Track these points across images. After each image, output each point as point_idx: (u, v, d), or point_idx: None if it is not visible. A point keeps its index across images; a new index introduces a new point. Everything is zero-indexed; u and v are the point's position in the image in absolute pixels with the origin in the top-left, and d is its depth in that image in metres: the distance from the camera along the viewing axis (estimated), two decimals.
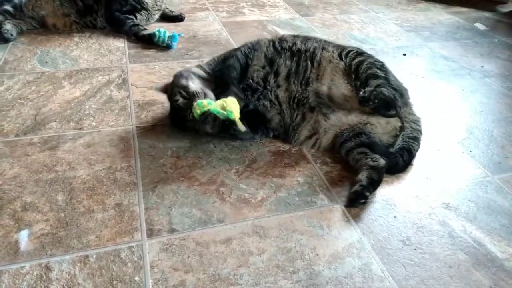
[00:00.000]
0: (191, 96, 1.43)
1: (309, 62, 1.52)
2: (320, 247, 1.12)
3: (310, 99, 1.48)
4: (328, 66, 1.51)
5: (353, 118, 1.45)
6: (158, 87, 1.60)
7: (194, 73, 1.53)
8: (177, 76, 1.52)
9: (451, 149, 1.56)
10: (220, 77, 1.51)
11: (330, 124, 1.47)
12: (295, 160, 1.45)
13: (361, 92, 1.37)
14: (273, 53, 1.56)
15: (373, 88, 1.38)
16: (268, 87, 1.51)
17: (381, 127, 1.44)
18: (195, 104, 1.37)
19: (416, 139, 1.47)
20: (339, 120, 1.46)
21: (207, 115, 1.37)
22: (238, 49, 1.61)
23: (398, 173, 1.40)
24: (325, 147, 1.48)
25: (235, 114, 1.34)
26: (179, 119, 1.48)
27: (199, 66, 1.61)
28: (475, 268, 1.09)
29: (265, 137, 1.53)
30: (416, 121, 1.52)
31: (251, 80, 1.52)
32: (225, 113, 1.34)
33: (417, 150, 1.45)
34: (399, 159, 1.40)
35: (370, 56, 1.56)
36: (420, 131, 1.50)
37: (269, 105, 1.50)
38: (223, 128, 1.43)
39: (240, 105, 1.38)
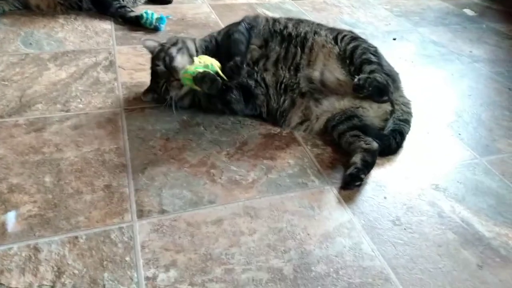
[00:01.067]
0: (171, 69, 1.42)
1: (299, 48, 1.50)
2: (311, 227, 1.13)
3: (301, 85, 1.47)
4: (321, 51, 1.49)
5: (346, 103, 1.45)
6: (148, 44, 1.54)
7: (188, 49, 1.50)
8: (171, 43, 1.50)
9: (440, 132, 1.57)
10: (229, 53, 1.46)
11: (322, 110, 1.46)
12: (286, 142, 1.44)
13: (356, 80, 1.36)
14: (267, 34, 1.54)
15: (366, 75, 1.37)
16: (256, 68, 1.49)
17: (373, 111, 1.44)
18: (181, 74, 1.39)
19: (407, 122, 1.48)
20: (332, 106, 1.46)
21: (204, 74, 1.36)
22: (239, 23, 1.57)
23: (390, 155, 1.41)
24: (317, 131, 1.48)
25: (215, 64, 1.39)
26: (154, 82, 1.50)
27: (193, 41, 1.56)
28: (463, 247, 1.11)
29: (254, 112, 1.52)
30: (407, 104, 1.52)
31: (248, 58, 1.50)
32: (207, 69, 1.37)
33: (408, 132, 1.46)
34: (392, 141, 1.41)
35: (364, 41, 1.55)
36: (410, 114, 1.51)
37: (254, 85, 1.48)
38: (220, 91, 1.41)
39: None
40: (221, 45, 1.54)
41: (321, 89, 1.46)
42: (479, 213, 1.22)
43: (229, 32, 1.55)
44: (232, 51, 1.46)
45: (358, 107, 1.44)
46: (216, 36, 1.59)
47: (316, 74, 1.46)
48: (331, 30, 1.59)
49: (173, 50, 1.46)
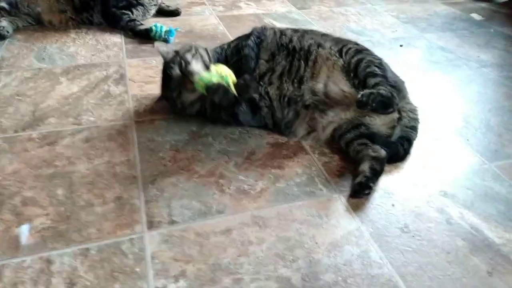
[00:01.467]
0: (187, 74, 1.44)
1: (302, 62, 1.51)
2: (319, 235, 1.13)
3: (305, 97, 1.48)
4: (324, 63, 1.50)
5: (352, 113, 1.45)
6: (162, 50, 1.56)
7: (201, 56, 1.52)
8: (186, 49, 1.53)
9: (448, 138, 1.57)
10: (239, 68, 1.49)
11: (328, 121, 1.47)
12: (294, 151, 1.45)
13: (359, 96, 1.35)
14: (274, 47, 1.56)
15: (370, 90, 1.37)
16: (261, 82, 1.51)
17: (379, 119, 1.45)
18: (197, 79, 1.40)
19: (414, 128, 1.48)
20: (338, 116, 1.46)
21: (218, 86, 1.38)
22: (248, 37, 1.59)
23: (398, 162, 1.42)
24: (324, 141, 1.49)
25: (230, 76, 1.41)
26: (165, 87, 1.52)
27: (205, 50, 1.58)
28: (473, 254, 1.10)
29: (260, 124, 1.54)
30: (413, 110, 1.52)
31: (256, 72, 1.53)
32: (222, 79, 1.39)
33: (415, 139, 1.46)
34: (400, 148, 1.41)
35: (369, 53, 1.55)
36: (417, 120, 1.51)
37: (258, 98, 1.50)
38: (231, 103, 1.44)
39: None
40: (231, 58, 1.56)
41: (326, 101, 1.47)
42: (488, 219, 1.21)
43: (238, 46, 1.57)
44: (242, 67, 1.49)
45: (364, 116, 1.44)
46: (226, 49, 1.61)
47: (319, 86, 1.47)
48: (336, 41, 1.59)
49: (189, 55, 1.49)
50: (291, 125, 1.50)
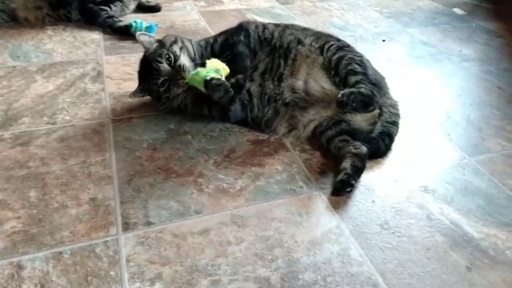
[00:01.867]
0: (178, 68, 1.41)
1: (281, 60, 1.49)
2: (299, 234, 1.12)
3: (284, 95, 1.45)
4: (304, 61, 1.48)
5: (332, 110, 1.44)
6: (143, 39, 1.48)
7: (187, 48, 1.49)
8: (171, 41, 1.49)
9: (430, 133, 1.57)
10: (231, 65, 1.45)
11: (309, 119, 1.45)
12: (274, 148, 1.43)
13: (339, 96, 1.32)
14: (258, 43, 1.54)
15: (350, 90, 1.35)
16: None
17: (360, 116, 1.43)
18: (192, 74, 1.39)
19: (395, 123, 1.47)
20: (318, 114, 1.45)
21: (220, 83, 1.36)
22: (239, 32, 1.56)
23: (379, 158, 1.41)
24: (306, 138, 1.47)
25: (224, 70, 1.41)
26: (151, 80, 1.44)
27: (190, 42, 1.55)
28: (452, 249, 1.10)
29: (244, 118, 1.51)
30: (394, 105, 1.52)
31: None
32: (217, 74, 1.38)
33: (396, 134, 1.46)
34: (381, 144, 1.40)
35: (350, 50, 1.54)
36: (398, 115, 1.50)
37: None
38: (230, 100, 1.42)
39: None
40: (219, 54, 1.51)
41: (306, 98, 1.45)
42: (468, 214, 1.21)
43: (229, 41, 1.54)
44: (238, 66, 1.46)
45: (345, 113, 1.43)
46: (212, 43, 1.57)
47: (299, 84, 1.45)
48: (317, 37, 1.57)
49: (176, 48, 1.46)
50: (271, 123, 1.47)
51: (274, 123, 1.47)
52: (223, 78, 1.40)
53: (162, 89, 1.44)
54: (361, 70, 1.44)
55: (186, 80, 1.42)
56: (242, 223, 1.14)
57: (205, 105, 1.49)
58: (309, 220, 1.16)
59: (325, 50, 1.50)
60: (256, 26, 1.60)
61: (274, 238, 1.10)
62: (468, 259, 1.07)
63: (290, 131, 1.47)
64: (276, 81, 1.47)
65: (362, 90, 1.35)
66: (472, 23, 2.66)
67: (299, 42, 1.53)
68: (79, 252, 1.03)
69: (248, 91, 1.47)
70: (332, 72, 1.45)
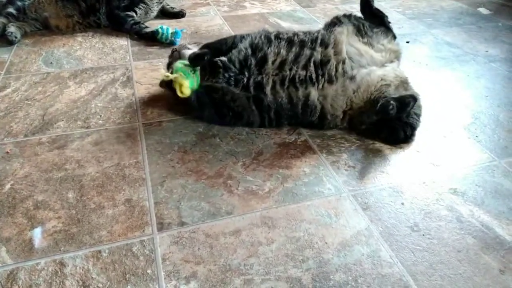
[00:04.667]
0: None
1: (322, 48, 1.57)
2: (329, 235, 1.13)
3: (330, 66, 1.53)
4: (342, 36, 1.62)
5: (375, 75, 1.53)
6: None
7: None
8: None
9: (457, 135, 1.56)
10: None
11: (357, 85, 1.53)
12: (301, 150, 1.45)
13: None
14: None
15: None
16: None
17: (393, 85, 1.53)
18: (186, 81, 1.50)
19: (418, 116, 1.51)
20: (365, 79, 1.53)
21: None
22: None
23: (399, 144, 1.48)
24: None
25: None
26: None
27: None
28: (484, 252, 1.10)
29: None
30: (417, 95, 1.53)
31: None
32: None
33: (418, 126, 1.51)
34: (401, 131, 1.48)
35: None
36: (420, 107, 1.52)
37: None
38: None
39: None
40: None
41: (351, 64, 1.60)
42: (499, 216, 1.20)
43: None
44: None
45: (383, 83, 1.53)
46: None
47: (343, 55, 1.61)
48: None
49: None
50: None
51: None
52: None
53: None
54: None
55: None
56: (272, 224, 1.16)
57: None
58: (338, 222, 1.18)
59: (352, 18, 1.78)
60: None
61: (304, 239, 1.12)
62: (501, 262, 1.07)
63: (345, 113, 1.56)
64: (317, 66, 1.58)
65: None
66: (499, 23, 2.62)
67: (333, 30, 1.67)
68: (117, 251, 1.07)
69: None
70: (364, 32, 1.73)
